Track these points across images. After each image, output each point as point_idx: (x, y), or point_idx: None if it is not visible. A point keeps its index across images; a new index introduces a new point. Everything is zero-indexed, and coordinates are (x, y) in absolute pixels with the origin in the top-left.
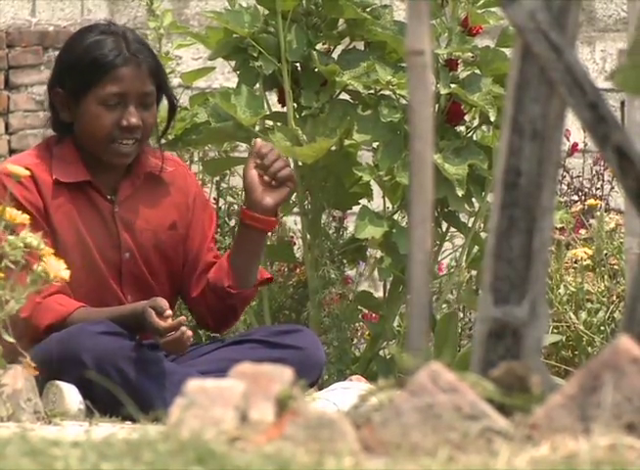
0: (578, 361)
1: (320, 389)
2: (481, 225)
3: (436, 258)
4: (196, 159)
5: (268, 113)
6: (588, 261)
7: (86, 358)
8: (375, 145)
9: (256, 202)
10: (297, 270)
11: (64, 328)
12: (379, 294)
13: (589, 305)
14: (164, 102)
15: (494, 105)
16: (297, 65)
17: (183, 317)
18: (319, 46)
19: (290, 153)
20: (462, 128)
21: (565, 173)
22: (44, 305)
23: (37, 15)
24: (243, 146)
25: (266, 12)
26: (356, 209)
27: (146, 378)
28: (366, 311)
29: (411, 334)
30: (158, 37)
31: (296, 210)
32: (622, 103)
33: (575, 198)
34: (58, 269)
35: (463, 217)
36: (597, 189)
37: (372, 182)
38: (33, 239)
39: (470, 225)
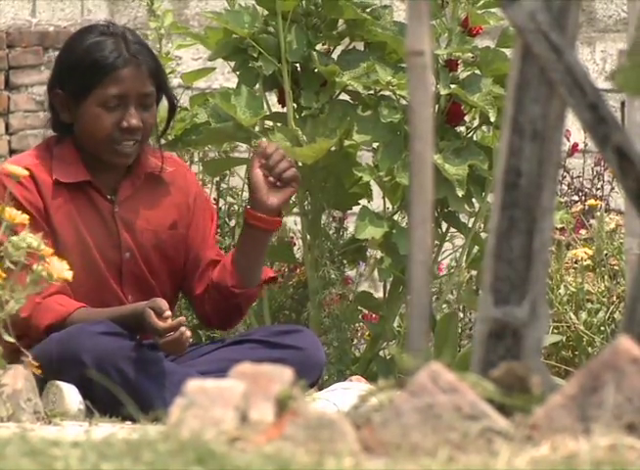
0: (578, 362)
1: (320, 389)
2: (482, 226)
3: (437, 258)
4: (196, 159)
5: (268, 113)
6: (588, 262)
7: (86, 358)
8: (375, 145)
9: (261, 202)
10: (297, 271)
11: (64, 328)
12: (379, 294)
13: (589, 305)
14: (164, 102)
15: (494, 105)
16: (297, 65)
17: (182, 318)
18: (319, 46)
19: (290, 153)
20: (462, 129)
21: (565, 174)
22: (44, 305)
23: (37, 15)
24: (243, 146)
25: (266, 12)
26: (356, 209)
27: (146, 378)
28: (366, 312)
29: (411, 334)
30: (158, 38)
31: (296, 210)
32: (623, 103)
33: (576, 198)
34: (61, 270)
35: (463, 218)
36: (597, 189)
37: (372, 183)
38: (33, 239)
39: (470, 226)
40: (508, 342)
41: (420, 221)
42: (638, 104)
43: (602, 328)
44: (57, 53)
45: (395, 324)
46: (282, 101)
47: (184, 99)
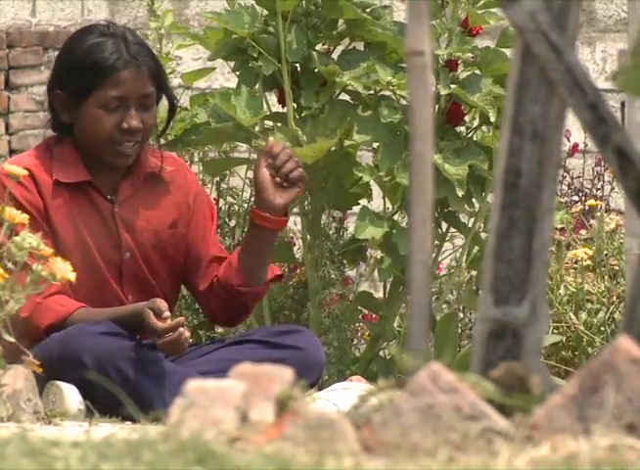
0: (578, 362)
1: (320, 389)
2: (482, 226)
3: (437, 258)
4: (196, 159)
5: (268, 113)
6: (588, 262)
7: (86, 359)
8: (375, 145)
9: (267, 201)
10: (298, 271)
11: (64, 328)
12: (379, 294)
13: (589, 305)
14: (164, 102)
15: (494, 105)
16: (297, 65)
17: (181, 318)
18: (319, 47)
19: None
20: (462, 129)
21: (565, 174)
22: (44, 305)
23: (37, 15)
24: (243, 146)
25: (266, 12)
26: (356, 209)
27: (146, 378)
28: (366, 312)
29: (411, 334)
30: (158, 38)
31: (296, 210)
32: (623, 103)
33: (576, 198)
34: (65, 271)
35: (463, 218)
36: (597, 190)
37: (372, 183)
38: (33, 239)
39: (470, 226)
40: (508, 342)
41: (420, 221)
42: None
43: (602, 328)
44: (57, 53)
45: (395, 324)
46: (282, 101)
47: (184, 99)
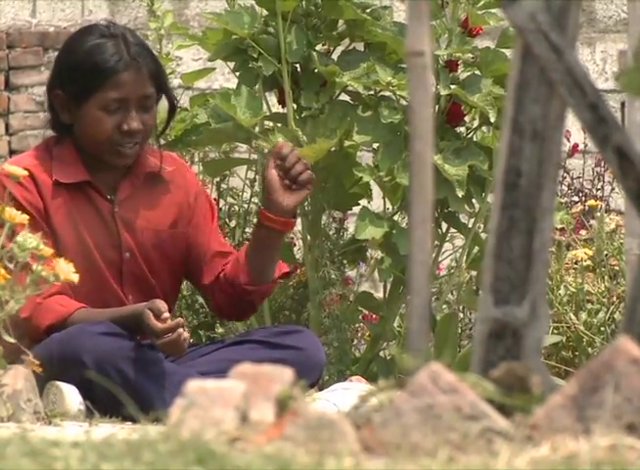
0: (578, 362)
1: (320, 389)
2: (482, 226)
3: (437, 258)
4: (196, 159)
5: (268, 114)
6: (588, 262)
7: (86, 359)
8: (375, 146)
9: (276, 203)
10: (298, 271)
11: (64, 329)
12: (379, 295)
13: (589, 305)
14: (164, 101)
15: (494, 106)
16: (297, 66)
17: (180, 319)
18: (319, 47)
19: None
20: (462, 129)
21: (565, 174)
22: (45, 305)
23: (38, 15)
24: (243, 147)
25: (265, 13)
26: (356, 209)
27: (146, 378)
28: (366, 312)
29: (411, 335)
30: (158, 38)
31: None
32: (623, 104)
33: (576, 199)
34: (67, 272)
35: (463, 218)
36: (597, 190)
37: (372, 183)
38: (33, 239)
39: (470, 226)
40: (508, 342)
41: (420, 222)
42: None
43: (602, 328)
44: (57, 53)
45: (396, 324)
46: (282, 101)
47: (184, 99)
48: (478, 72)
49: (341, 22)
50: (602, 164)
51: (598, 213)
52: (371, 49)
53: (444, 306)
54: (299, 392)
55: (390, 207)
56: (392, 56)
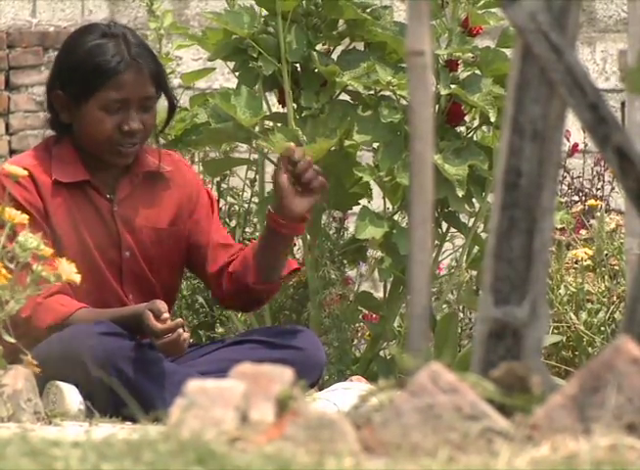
0: (579, 362)
1: (320, 389)
2: (482, 226)
3: (437, 258)
4: (196, 159)
5: (268, 113)
6: (589, 262)
7: (86, 359)
8: (375, 145)
9: (286, 208)
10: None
11: (64, 328)
12: (379, 294)
13: (589, 305)
14: (163, 101)
15: (494, 105)
16: (297, 65)
17: (180, 320)
18: (319, 47)
19: None
20: (462, 129)
21: (565, 174)
22: (45, 304)
23: (38, 15)
24: (243, 146)
25: (265, 12)
26: (356, 209)
27: (146, 378)
28: (366, 312)
29: (411, 334)
30: (158, 38)
31: None
32: (623, 104)
33: (576, 198)
34: (69, 272)
35: (463, 218)
36: (597, 190)
37: (372, 183)
38: (33, 239)
39: (470, 226)
40: (508, 342)
41: (420, 221)
42: (638, 104)
43: (602, 328)
44: (57, 52)
45: (396, 324)
46: (282, 101)
47: (184, 99)
48: (478, 72)
49: (341, 21)
50: (601, 164)
51: (598, 213)
52: (371, 49)
53: (444, 306)
54: (300, 392)
55: (391, 206)
56: (393, 55)
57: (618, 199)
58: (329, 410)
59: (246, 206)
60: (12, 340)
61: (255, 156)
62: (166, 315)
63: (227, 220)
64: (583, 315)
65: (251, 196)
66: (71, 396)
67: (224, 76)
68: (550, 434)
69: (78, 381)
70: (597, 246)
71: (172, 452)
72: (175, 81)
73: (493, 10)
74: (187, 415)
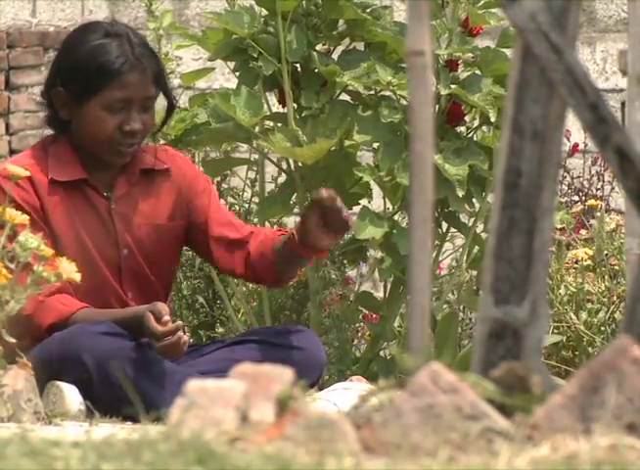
0: (579, 362)
1: (321, 389)
2: (482, 226)
3: (437, 258)
4: (196, 159)
5: (268, 113)
6: (589, 262)
7: (87, 358)
8: (375, 145)
9: (310, 242)
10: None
11: (65, 328)
12: (379, 294)
13: (590, 305)
14: (162, 101)
15: (495, 105)
16: (298, 65)
17: (180, 322)
18: (319, 47)
19: (290, 154)
20: (462, 129)
21: (565, 174)
22: (47, 304)
23: (38, 15)
24: (243, 146)
25: (265, 12)
26: (357, 209)
27: (146, 378)
28: (366, 312)
29: (411, 334)
30: (157, 38)
31: (296, 210)
32: (623, 104)
33: (576, 198)
34: (70, 271)
35: (463, 218)
36: (597, 190)
37: (372, 183)
38: (33, 239)
39: (470, 226)
40: (508, 342)
41: (420, 221)
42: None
43: (602, 328)
44: (58, 49)
45: (396, 324)
46: (282, 101)
47: (184, 99)
48: (478, 72)
49: (341, 21)
50: (600, 164)
51: (598, 213)
52: (371, 49)
53: (445, 306)
54: (300, 392)
55: (391, 207)
56: (393, 55)
57: (618, 199)
58: (329, 410)
59: (246, 206)
60: (12, 340)
61: (256, 156)
62: (167, 318)
63: None
64: (583, 315)
65: (252, 196)
66: (71, 396)
67: (224, 76)
68: (550, 434)
69: (78, 381)
70: (597, 246)
71: (172, 452)
72: (175, 81)
73: (493, 10)
74: (187, 415)
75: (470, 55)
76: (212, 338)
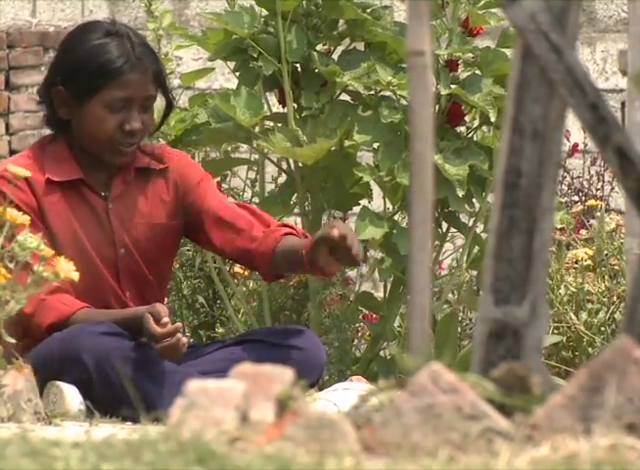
0: (579, 362)
1: (321, 389)
2: (482, 226)
3: (437, 258)
4: (197, 159)
5: (268, 113)
6: (589, 262)
7: (86, 358)
8: (375, 146)
9: (320, 268)
10: None
11: (65, 328)
12: (379, 294)
13: (590, 305)
14: (161, 100)
15: (495, 105)
16: (298, 65)
17: (179, 324)
18: (319, 47)
19: (290, 154)
20: (462, 129)
21: (565, 174)
22: (48, 303)
23: (38, 15)
24: (243, 147)
25: (265, 12)
26: (357, 209)
27: (146, 378)
28: (366, 312)
29: (411, 334)
30: (157, 38)
31: (296, 210)
32: (623, 104)
33: (576, 198)
34: (67, 270)
35: (463, 218)
36: (597, 190)
37: (372, 183)
38: (34, 239)
39: (470, 226)
40: (508, 342)
41: (420, 222)
42: (638, 104)
43: (602, 328)
44: (58, 48)
45: (396, 324)
46: (282, 101)
47: (184, 99)
48: (478, 72)
49: (341, 21)
50: (600, 164)
51: (598, 213)
52: (371, 49)
53: (445, 306)
54: (300, 392)
55: (391, 207)
56: (393, 56)
57: (618, 199)
58: (329, 410)
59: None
60: (12, 340)
61: (256, 156)
62: (166, 320)
63: None
64: (583, 315)
65: (252, 196)
66: (71, 396)
67: (224, 76)
68: (550, 434)
69: (78, 381)
70: (597, 246)
71: (172, 452)
72: (175, 81)
73: (493, 10)
74: (187, 415)
75: (470, 55)
76: (212, 338)
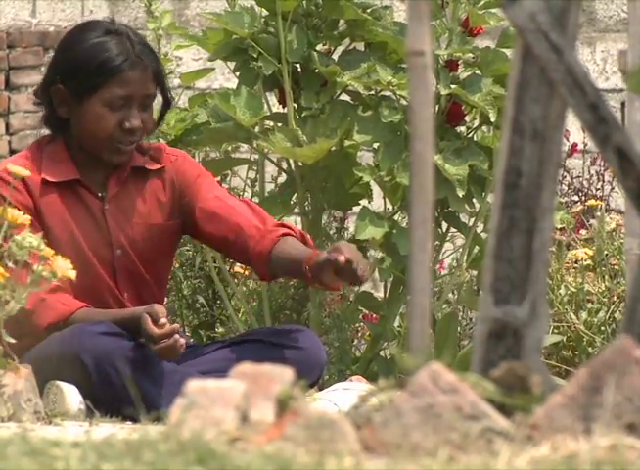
0: (579, 362)
1: (321, 389)
2: (482, 226)
3: (437, 258)
4: (197, 159)
5: (268, 113)
6: (589, 262)
7: (86, 358)
8: (375, 146)
9: (323, 283)
10: None
11: (65, 327)
12: (379, 294)
13: (590, 305)
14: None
15: (495, 105)
16: (298, 65)
17: (177, 325)
18: (319, 47)
19: (290, 154)
20: (462, 129)
21: (565, 174)
22: (47, 303)
23: (38, 15)
24: (243, 146)
25: (265, 12)
26: (357, 209)
27: (146, 378)
28: (366, 312)
29: (411, 334)
30: (156, 38)
31: (296, 210)
32: (623, 103)
33: (576, 198)
34: (65, 269)
35: (463, 218)
36: (597, 190)
37: (372, 183)
38: (34, 239)
39: (470, 226)
40: (508, 342)
41: (420, 222)
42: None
43: (602, 328)
44: (57, 47)
45: (396, 324)
46: (282, 101)
47: (184, 99)
48: (478, 72)
49: (341, 21)
50: (599, 164)
51: (598, 213)
52: (371, 49)
53: (445, 306)
54: (300, 391)
55: (391, 207)
56: (393, 56)
57: (619, 199)
58: (329, 410)
59: None
60: (12, 340)
61: (256, 156)
62: (164, 320)
63: None
64: (583, 315)
65: (252, 196)
66: (71, 396)
67: (224, 76)
68: (550, 434)
69: (78, 381)
70: (597, 246)
71: (172, 452)
72: (175, 81)
73: (493, 10)
74: (187, 415)
75: (470, 55)
76: (212, 338)
